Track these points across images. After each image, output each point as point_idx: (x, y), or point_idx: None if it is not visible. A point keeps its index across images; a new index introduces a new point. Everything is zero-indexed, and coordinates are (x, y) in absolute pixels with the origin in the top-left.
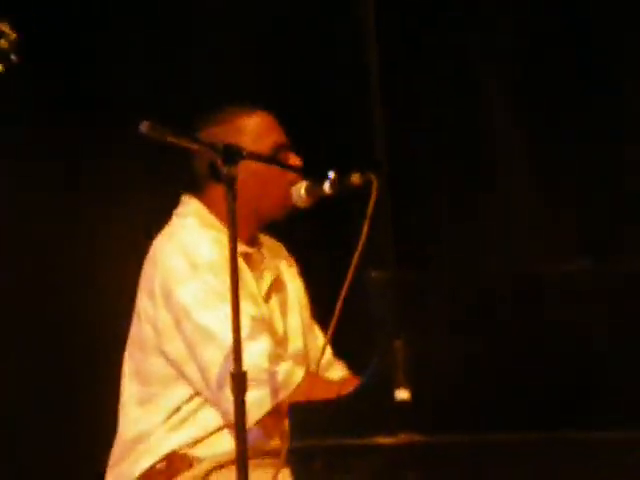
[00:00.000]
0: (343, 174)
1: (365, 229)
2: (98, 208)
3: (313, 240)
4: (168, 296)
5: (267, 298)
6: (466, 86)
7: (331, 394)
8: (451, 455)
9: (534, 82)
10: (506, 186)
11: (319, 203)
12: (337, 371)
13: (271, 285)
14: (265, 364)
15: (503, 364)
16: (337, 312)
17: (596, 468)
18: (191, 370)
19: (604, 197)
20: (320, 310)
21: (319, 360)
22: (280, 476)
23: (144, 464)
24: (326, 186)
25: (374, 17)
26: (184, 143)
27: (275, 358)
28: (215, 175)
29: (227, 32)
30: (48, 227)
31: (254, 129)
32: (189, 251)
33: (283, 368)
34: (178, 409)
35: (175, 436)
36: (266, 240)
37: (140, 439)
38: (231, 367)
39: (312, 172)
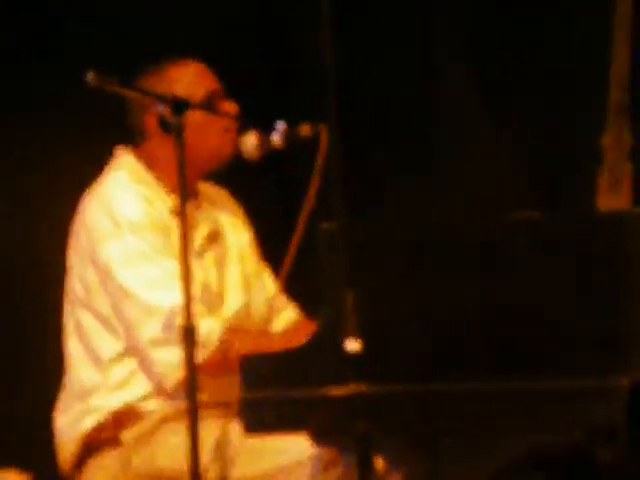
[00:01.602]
0: (293, 125)
1: (315, 180)
2: (34, 165)
3: (263, 193)
4: (93, 252)
5: (201, 251)
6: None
7: (262, 345)
8: (401, 405)
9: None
10: (458, 136)
11: (269, 155)
12: (289, 313)
13: (206, 238)
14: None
15: (452, 314)
16: (287, 263)
17: (542, 417)
18: (118, 326)
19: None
20: (271, 262)
21: (268, 312)
22: (230, 426)
23: (89, 422)
24: (275, 137)
25: None
26: (131, 94)
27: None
28: (163, 126)
29: None
30: None
31: (186, 77)
32: (113, 208)
33: (203, 327)
34: (116, 363)
35: (118, 394)
36: (207, 188)
37: (83, 394)
38: (154, 327)
39: (261, 124)
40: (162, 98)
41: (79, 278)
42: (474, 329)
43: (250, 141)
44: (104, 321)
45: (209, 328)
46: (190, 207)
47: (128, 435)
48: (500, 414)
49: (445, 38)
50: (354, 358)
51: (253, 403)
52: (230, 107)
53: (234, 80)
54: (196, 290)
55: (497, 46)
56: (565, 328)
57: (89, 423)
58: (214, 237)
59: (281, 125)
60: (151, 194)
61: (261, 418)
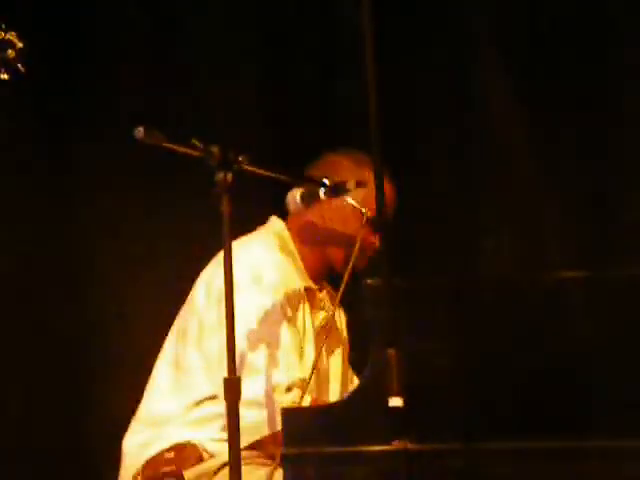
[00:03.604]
0: (339, 181)
1: (360, 237)
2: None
3: None
4: (222, 300)
5: (315, 335)
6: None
7: None
8: (444, 463)
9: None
10: (506, 193)
11: None
12: None
13: (324, 322)
14: (276, 393)
15: (497, 372)
16: (332, 319)
17: (588, 477)
18: (217, 372)
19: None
20: None
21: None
22: (274, 475)
23: (154, 448)
24: (321, 193)
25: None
26: (180, 149)
27: (286, 390)
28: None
29: (227, 31)
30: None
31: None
32: (255, 266)
33: (288, 398)
34: (200, 404)
35: (190, 431)
36: (327, 287)
37: (157, 423)
38: (253, 387)
39: (308, 179)
40: (209, 152)
41: (198, 316)
42: (519, 388)
43: (297, 196)
44: (207, 363)
45: (292, 400)
46: (317, 293)
47: (190, 473)
48: (543, 474)
49: (492, 85)
50: (397, 415)
51: (295, 458)
52: (373, 241)
53: (284, 135)
54: (303, 369)
55: (546, 91)
56: (613, 388)
57: (154, 449)
58: (329, 324)
59: (327, 180)
60: (293, 266)
61: (303, 474)
